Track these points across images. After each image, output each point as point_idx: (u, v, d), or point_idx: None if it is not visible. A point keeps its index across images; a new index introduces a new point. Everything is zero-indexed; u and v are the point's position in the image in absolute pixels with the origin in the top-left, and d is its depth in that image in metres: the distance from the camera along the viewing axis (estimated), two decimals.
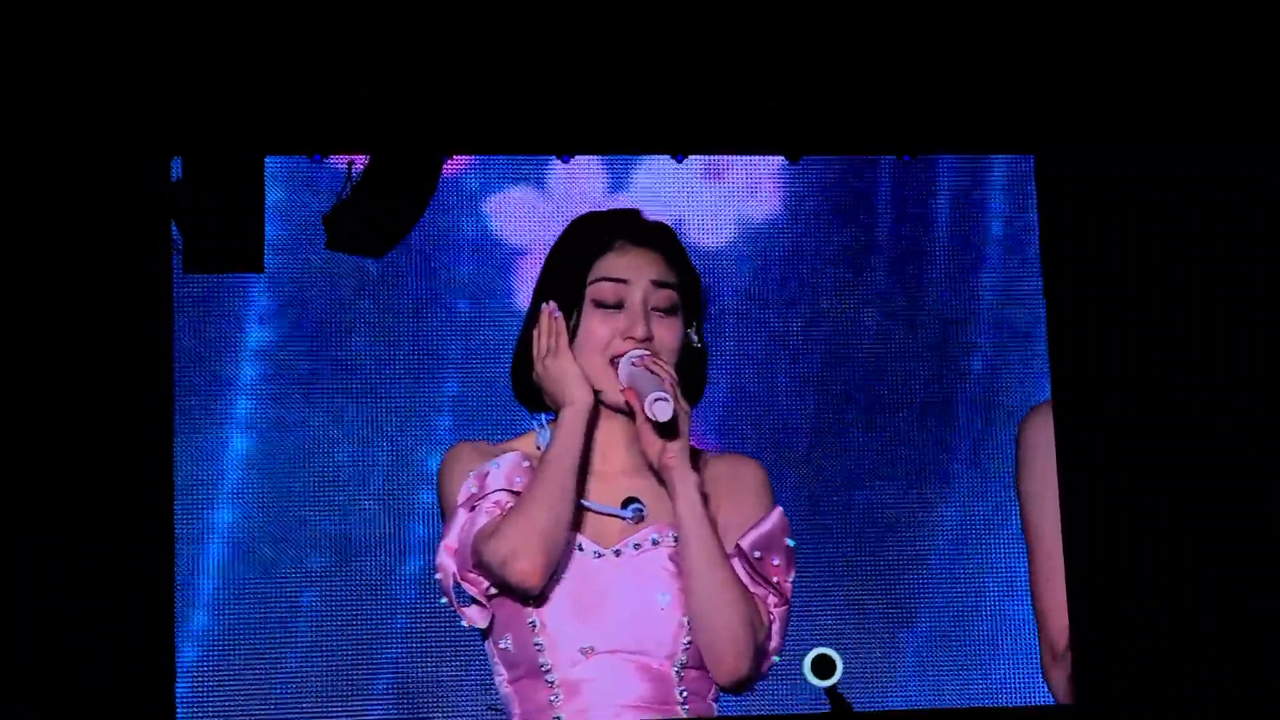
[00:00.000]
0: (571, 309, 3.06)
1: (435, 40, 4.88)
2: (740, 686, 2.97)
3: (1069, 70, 5.20)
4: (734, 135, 5.30)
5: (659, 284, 3.07)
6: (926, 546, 5.46)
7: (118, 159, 4.95)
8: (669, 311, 3.06)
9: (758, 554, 2.99)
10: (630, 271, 3.07)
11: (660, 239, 3.15)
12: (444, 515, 3.10)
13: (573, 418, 2.97)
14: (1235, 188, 5.41)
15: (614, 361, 3.05)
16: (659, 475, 3.00)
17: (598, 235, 3.13)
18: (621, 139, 5.25)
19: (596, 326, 3.06)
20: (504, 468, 2.99)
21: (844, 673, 3.23)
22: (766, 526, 3.01)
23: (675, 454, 2.98)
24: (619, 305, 3.05)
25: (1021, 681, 5.41)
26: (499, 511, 2.95)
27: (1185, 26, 5.19)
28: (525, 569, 2.90)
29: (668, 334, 3.07)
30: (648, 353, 2.97)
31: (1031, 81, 5.21)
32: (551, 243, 3.17)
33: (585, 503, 3.01)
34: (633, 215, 3.23)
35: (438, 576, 3.05)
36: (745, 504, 3.09)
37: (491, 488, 2.99)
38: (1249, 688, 5.40)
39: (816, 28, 5.06)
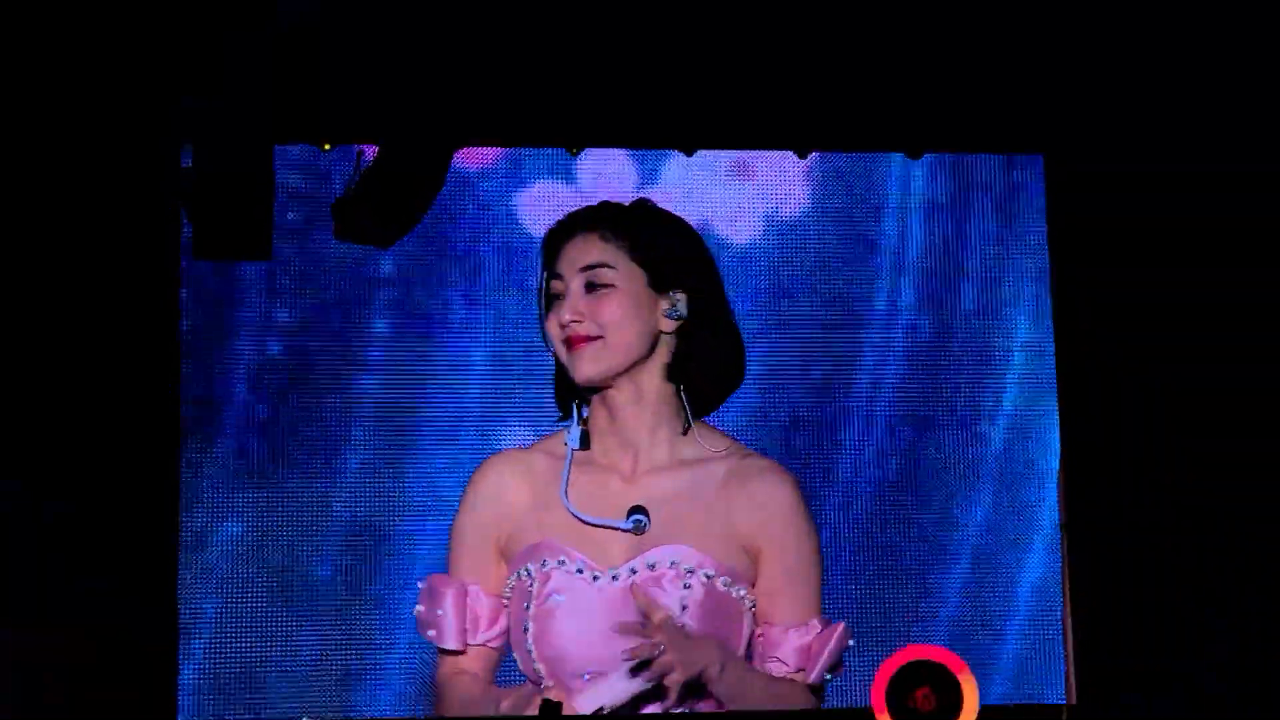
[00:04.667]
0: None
1: (447, 32, 4.87)
2: None
3: (1079, 70, 5.20)
4: (742, 131, 5.30)
5: (588, 266, 3.05)
6: (948, 547, 5.45)
7: (127, 146, 4.95)
8: (606, 286, 3.03)
9: (829, 676, 3.01)
10: (564, 265, 3.08)
11: (601, 220, 3.12)
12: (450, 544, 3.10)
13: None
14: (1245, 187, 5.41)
15: (568, 346, 3.05)
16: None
17: (548, 240, 3.14)
18: (631, 134, 5.25)
19: (548, 321, 3.07)
20: (445, 624, 3.00)
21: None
22: (833, 646, 3.00)
23: (708, 677, 2.95)
24: (563, 296, 3.06)
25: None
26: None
27: (1192, 27, 5.19)
28: None
29: (603, 308, 3.04)
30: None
31: (1041, 81, 5.21)
32: None
33: (583, 516, 2.97)
34: (590, 208, 3.22)
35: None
36: (774, 528, 3.05)
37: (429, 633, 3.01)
38: (1250, 686, 5.40)
39: (826, 26, 5.06)
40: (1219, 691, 5.39)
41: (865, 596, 5.47)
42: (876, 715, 2.28)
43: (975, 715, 2.28)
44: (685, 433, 3.05)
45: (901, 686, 2.28)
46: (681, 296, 3.08)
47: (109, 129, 5.04)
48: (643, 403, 3.05)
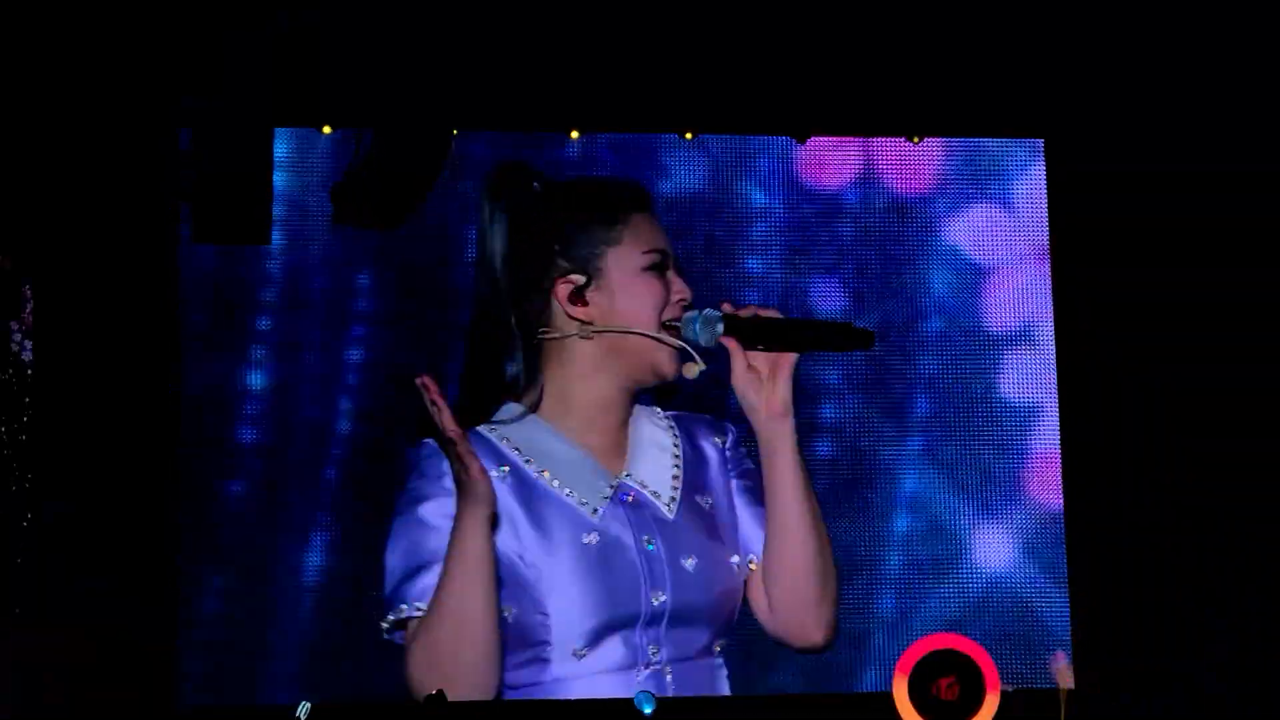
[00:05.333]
0: None
1: (449, 15, 4.87)
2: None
3: (1080, 54, 5.19)
4: (741, 115, 5.30)
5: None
6: (949, 533, 5.45)
7: (127, 127, 4.95)
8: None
9: None
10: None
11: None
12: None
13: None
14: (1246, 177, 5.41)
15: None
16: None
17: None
18: (631, 117, 5.25)
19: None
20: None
21: None
22: None
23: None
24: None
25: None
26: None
27: (1198, 20, 5.18)
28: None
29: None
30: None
31: (1042, 65, 5.21)
32: None
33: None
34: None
35: None
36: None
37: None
38: (1249, 683, 5.38)
39: (827, 9, 5.06)
40: (1218, 689, 5.37)
41: (871, 580, 5.48)
42: (895, 674, 2.23)
43: None
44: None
45: (932, 666, 2.21)
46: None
47: (107, 123, 5.03)
48: None
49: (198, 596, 5.29)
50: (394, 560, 2.81)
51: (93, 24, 4.81)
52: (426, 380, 2.70)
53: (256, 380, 5.36)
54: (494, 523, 2.75)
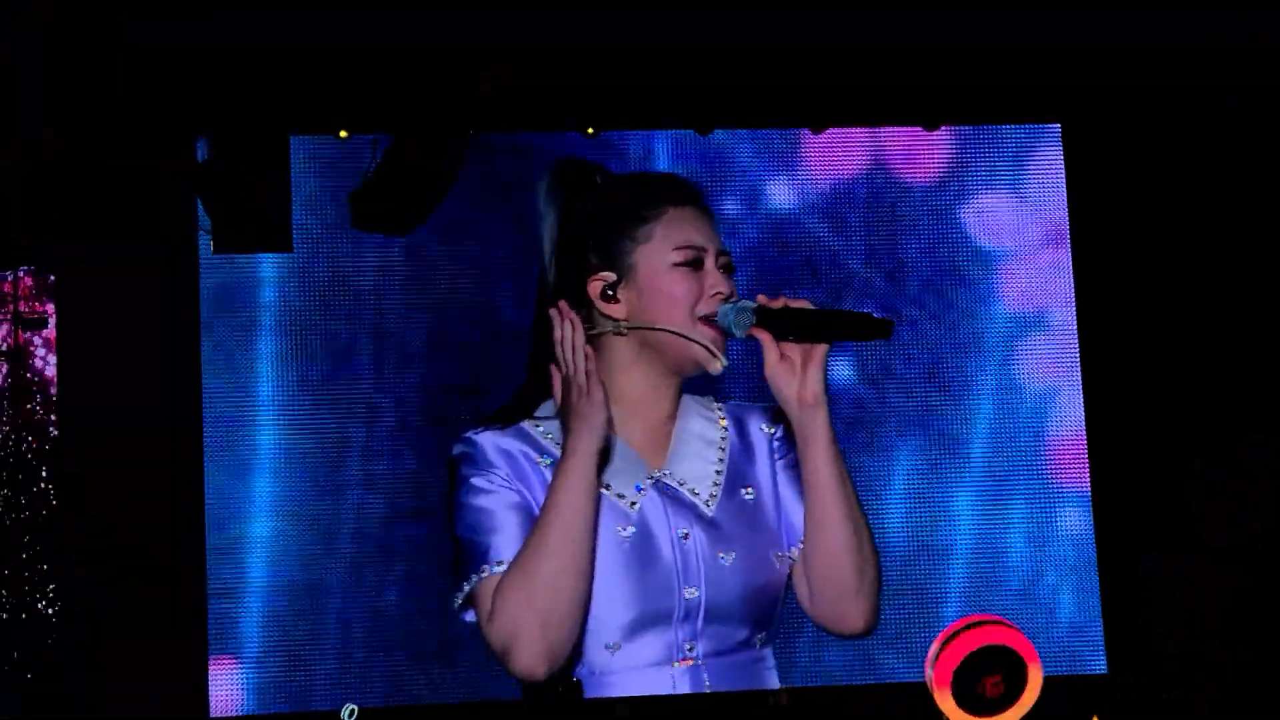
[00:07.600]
0: None
1: (462, 17, 4.88)
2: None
3: (1094, 37, 5.19)
4: (757, 108, 5.30)
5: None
6: (952, 523, 5.46)
7: (148, 139, 4.96)
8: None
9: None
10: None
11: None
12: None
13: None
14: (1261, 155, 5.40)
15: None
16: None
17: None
18: (647, 113, 5.26)
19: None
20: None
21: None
22: None
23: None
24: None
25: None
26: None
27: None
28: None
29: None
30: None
31: (1057, 50, 5.20)
32: None
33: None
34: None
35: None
36: None
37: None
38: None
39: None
40: (1247, 670, 5.38)
41: (899, 575, 5.48)
42: (935, 688, 2.18)
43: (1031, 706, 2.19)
44: None
45: (972, 670, 2.17)
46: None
47: (126, 136, 5.04)
48: None
49: (232, 605, 5.30)
50: (461, 532, 2.83)
51: (110, 38, 4.83)
52: (563, 304, 2.75)
53: (283, 388, 5.36)
54: (603, 458, 2.76)
